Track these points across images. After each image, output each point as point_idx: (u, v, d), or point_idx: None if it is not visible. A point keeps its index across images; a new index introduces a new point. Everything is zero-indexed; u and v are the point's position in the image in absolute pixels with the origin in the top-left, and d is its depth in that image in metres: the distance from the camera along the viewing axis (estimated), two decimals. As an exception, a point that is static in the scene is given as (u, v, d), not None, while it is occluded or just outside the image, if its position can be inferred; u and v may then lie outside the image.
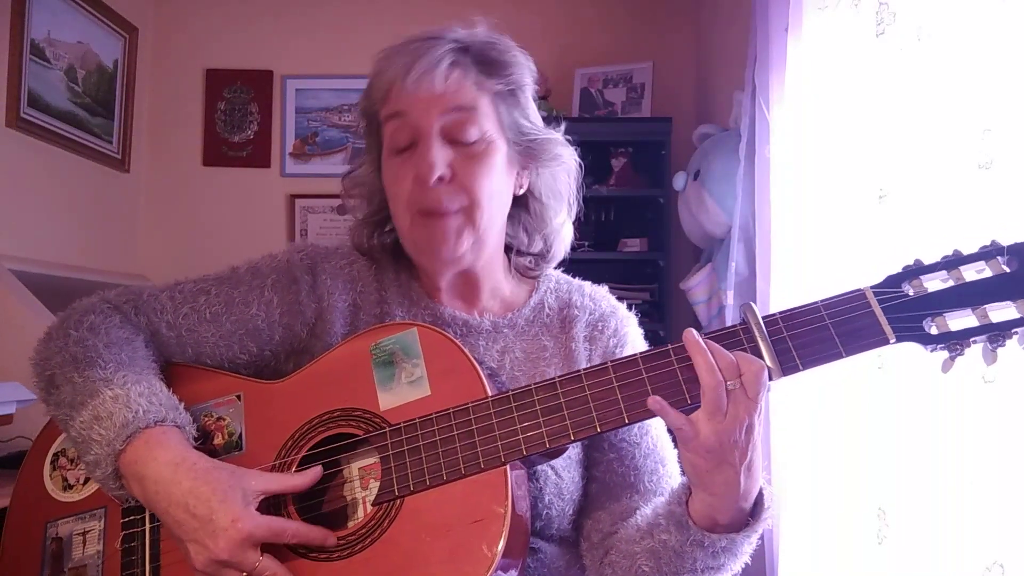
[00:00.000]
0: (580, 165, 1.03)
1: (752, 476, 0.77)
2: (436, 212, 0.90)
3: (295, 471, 0.85)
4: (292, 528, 0.79)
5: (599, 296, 1.04)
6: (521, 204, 1.03)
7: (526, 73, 0.97)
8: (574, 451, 0.93)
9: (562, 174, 1.02)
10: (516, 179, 0.99)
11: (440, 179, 0.89)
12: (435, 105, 0.89)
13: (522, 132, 0.97)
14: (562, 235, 1.05)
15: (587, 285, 1.06)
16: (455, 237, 0.91)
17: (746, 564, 0.84)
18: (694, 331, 0.76)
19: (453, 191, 0.90)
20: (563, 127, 1.02)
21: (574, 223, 1.07)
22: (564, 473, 0.92)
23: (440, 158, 0.89)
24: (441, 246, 0.91)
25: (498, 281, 1.02)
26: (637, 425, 0.94)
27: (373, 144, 0.99)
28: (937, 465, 1.31)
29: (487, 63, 0.93)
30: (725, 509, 0.78)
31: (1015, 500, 1.15)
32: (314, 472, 0.83)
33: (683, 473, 0.84)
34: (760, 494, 0.80)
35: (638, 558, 0.84)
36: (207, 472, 0.80)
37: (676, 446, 0.85)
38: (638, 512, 0.90)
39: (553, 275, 1.06)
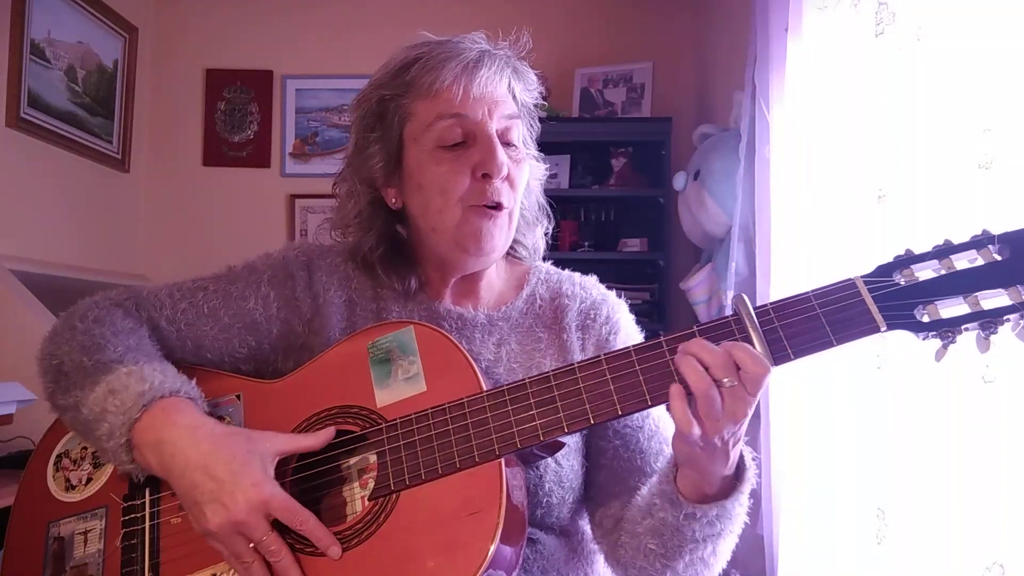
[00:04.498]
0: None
1: (736, 448, 0.79)
2: (495, 206, 0.93)
3: (286, 487, 0.84)
4: (304, 515, 0.79)
5: (589, 285, 1.05)
6: None
7: (537, 91, 1.03)
8: (573, 439, 0.94)
9: (539, 186, 1.07)
10: None
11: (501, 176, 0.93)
12: (495, 110, 0.94)
13: (529, 147, 1.02)
14: (538, 234, 1.09)
15: (577, 275, 1.07)
16: (499, 232, 0.95)
17: (746, 564, 0.84)
18: (700, 341, 0.75)
19: (508, 190, 0.94)
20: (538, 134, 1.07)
21: (575, 222, 1.09)
22: (564, 461, 0.93)
23: (505, 158, 0.93)
24: (488, 240, 0.93)
25: (493, 278, 1.04)
26: None
27: (393, 131, 0.97)
28: (937, 465, 1.31)
29: (520, 75, 0.99)
30: (711, 482, 0.80)
31: (1015, 500, 1.15)
32: (327, 433, 0.85)
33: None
34: (741, 457, 0.82)
35: (643, 537, 0.86)
36: (225, 437, 0.82)
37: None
38: (637, 493, 0.91)
39: (543, 267, 1.08)
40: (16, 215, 2.50)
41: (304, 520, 0.79)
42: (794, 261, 1.82)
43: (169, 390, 0.85)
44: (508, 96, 0.96)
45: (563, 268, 1.09)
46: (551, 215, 1.10)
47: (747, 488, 0.82)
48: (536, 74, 1.02)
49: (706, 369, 0.73)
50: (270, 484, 0.79)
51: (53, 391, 0.91)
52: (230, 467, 0.79)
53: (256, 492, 0.77)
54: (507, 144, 0.95)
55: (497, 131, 0.94)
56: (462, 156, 0.93)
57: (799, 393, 1.78)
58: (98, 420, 0.84)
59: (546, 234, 1.10)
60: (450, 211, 0.93)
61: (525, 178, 0.98)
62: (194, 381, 0.89)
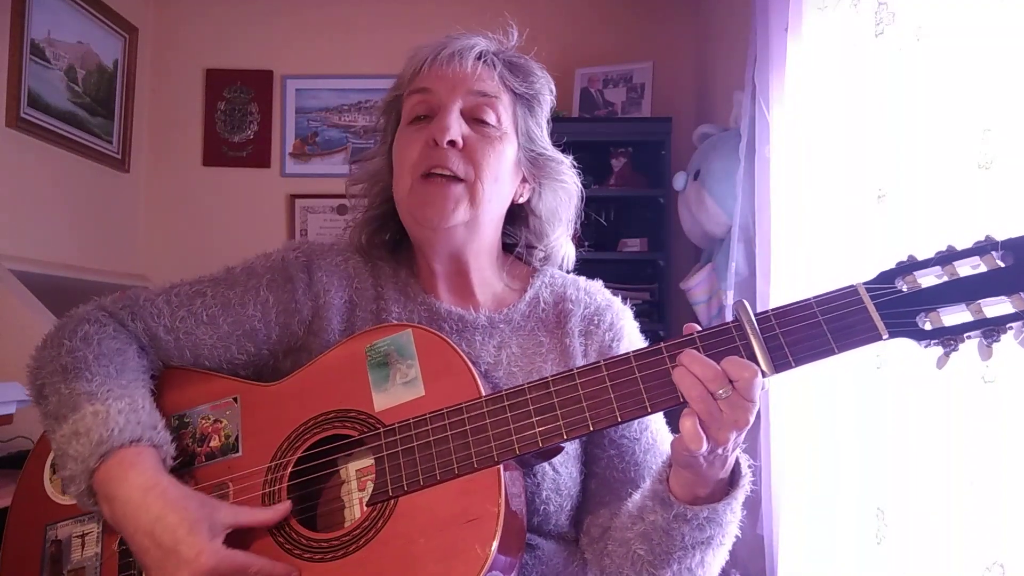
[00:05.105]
0: (582, 193, 1.06)
1: (734, 454, 0.78)
2: (440, 173, 0.91)
3: (283, 492, 0.84)
4: (256, 567, 0.78)
5: (594, 290, 1.04)
6: (521, 218, 1.05)
7: (546, 90, 1.02)
8: (571, 447, 0.94)
9: (564, 196, 1.05)
10: (519, 186, 1.01)
11: (452, 143, 0.92)
12: (460, 85, 0.94)
13: (532, 141, 1.00)
14: (563, 251, 1.07)
15: (582, 280, 1.06)
16: (452, 203, 0.92)
17: (746, 564, 0.84)
18: (691, 352, 0.75)
19: (461, 159, 0.92)
20: (552, 136, 1.05)
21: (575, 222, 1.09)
22: (562, 469, 0.92)
23: (456, 126, 0.92)
24: (437, 210, 0.92)
25: (487, 275, 1.02)
26: (637, 421, 0.94)
27: (390, 129, 1.02)
28: (936, 465, 1.31)
29: (514, 67, 0.98)
30: (705, 484, 0.79)
31: (1015, 500, 1.15)
32: (284, 507, 0.83)
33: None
34: (737, 462, 0.81)
35: (632, 543, 0.85)
36: (177, 500, 0.79)
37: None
38: (629, 500, 0.91)
39: (548, 270, 1.07)
40: (16, 215, 2.50)
41: (258, 571, 0.78)
42: (794, 261, 1.82)
43: (129, 438, 0.82)
44: (487, 76, 0.95)
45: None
46: (571, 222, 1.07)
47: (741, 495, 0.81)
48: (547, 76, 1.02)
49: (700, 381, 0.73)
50: (214, 552, 0.76)
51: (36, 407, 0.91)
52: (175, 534, 0.76)
53: (199, 564, 0.75)
54: (479, 121, 0.94)
55: (465, 107, 0.94)
56: (423, 128, 0.94)
57: (799, 393, 1.78)
58: (64, 461, 0.83)
59: (576, 240, 1.07)
60: (404, 180, 0.94)
61: (498, 158, 0.95)
62: (162, 423, 0.87)
